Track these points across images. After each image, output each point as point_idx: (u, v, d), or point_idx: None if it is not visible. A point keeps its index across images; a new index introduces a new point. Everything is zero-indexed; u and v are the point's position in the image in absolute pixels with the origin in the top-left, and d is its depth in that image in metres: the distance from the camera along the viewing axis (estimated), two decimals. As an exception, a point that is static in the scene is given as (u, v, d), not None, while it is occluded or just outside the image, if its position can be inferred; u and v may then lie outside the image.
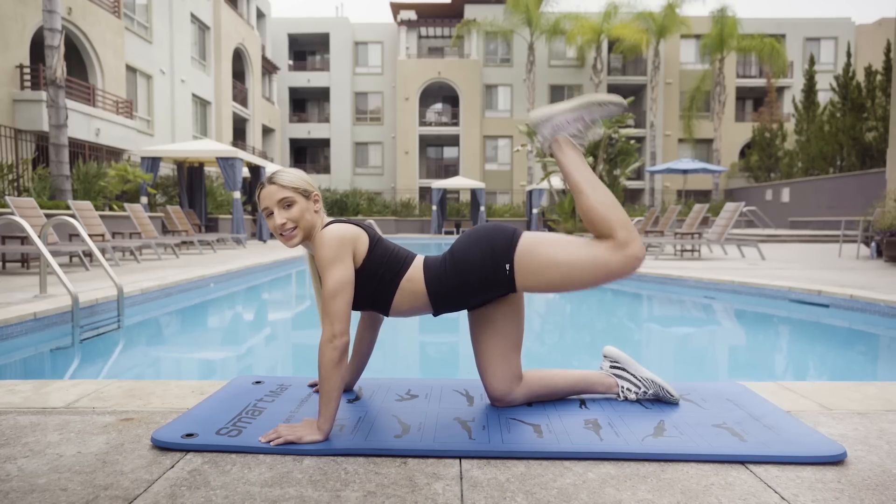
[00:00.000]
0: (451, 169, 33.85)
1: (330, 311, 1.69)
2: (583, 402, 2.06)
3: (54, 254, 6.59)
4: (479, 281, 1.82)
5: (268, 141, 32.11)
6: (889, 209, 9.00)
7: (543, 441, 1.69)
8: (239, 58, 27.44)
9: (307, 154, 36.49)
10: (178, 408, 2.03)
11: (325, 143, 35.26)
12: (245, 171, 15.97)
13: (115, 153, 16.49)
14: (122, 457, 1.61)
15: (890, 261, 8.22)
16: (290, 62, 35.40)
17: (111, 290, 4.84)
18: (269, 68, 31.65)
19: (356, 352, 2.13)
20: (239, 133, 28.51)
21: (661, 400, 2.05)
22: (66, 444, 1.71)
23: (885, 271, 7.08)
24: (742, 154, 31.99)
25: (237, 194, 14.01)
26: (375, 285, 1.84)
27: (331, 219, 1.89)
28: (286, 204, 1.79)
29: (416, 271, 1.86)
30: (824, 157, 22.02)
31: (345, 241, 1.76)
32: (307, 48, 36.23)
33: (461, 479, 1.49)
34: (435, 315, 1.93)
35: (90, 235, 7.68)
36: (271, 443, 1.65)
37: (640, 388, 2.06)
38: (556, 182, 17.65)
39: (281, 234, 1.81)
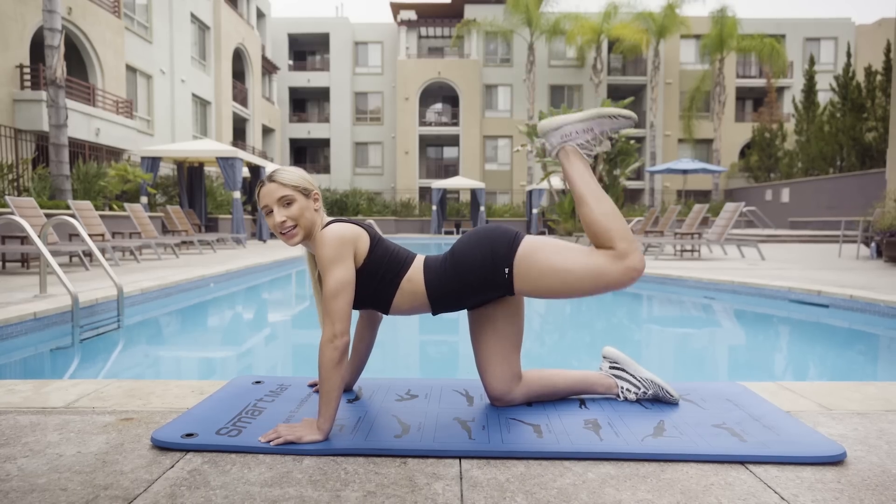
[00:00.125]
0: (451, 169, 33.86)
1: (330, 310, 1.69)
2: (582, 402, 2.06)
3: (54, 254, 6.59)
4: (478, 282, 1.82)
5: (268, 141, 32.12)
6: (889, 209, 9.00)
7: (543, 441, 1.69)
8: (239, 58, 27.44)
9: (307, 154, 36.49)
10: (178, 408, 2.03)
11: (325, 143, 35.27)
12: (245, 171, 15.98)
13: (115, 153, 16.49)
14: (122, 457, 1.61)
15: (890, 261, 8.22)
16: (290, 62, 35.41)
17: (111, 290, 4.84)
18: (269, 68, 31.65)
19: (355, 351, 2.13)
20: (239, 133, 28.51)
21: (660, 400, 2.05)
22: (65, 443, 1.71)
23: (885, 271, 7.08)
24: (742, 154, 31.99)
25: (237, 194, 14.01)
26: (376, 285, 1.84)
27: (331, 218, 1.89)
28: (286, 202, 1.79)
29: (416, 271, 1.86)
30: (824, 157, 22.03)
31: (346, 240, 1.76)
32: (307, 48, 36.24)
33: (461, 479, 1.49)
34: (434, 314, 1.93)
35: (90, 235, 7.68)
36: (271, 443, 1.65)
37: (639, 389, 2.06)
38: (556, 182, 17.66)
39: (281, 233, 1.81)
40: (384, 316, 2.06)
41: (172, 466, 1.55)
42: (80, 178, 10.96)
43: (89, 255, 7.96)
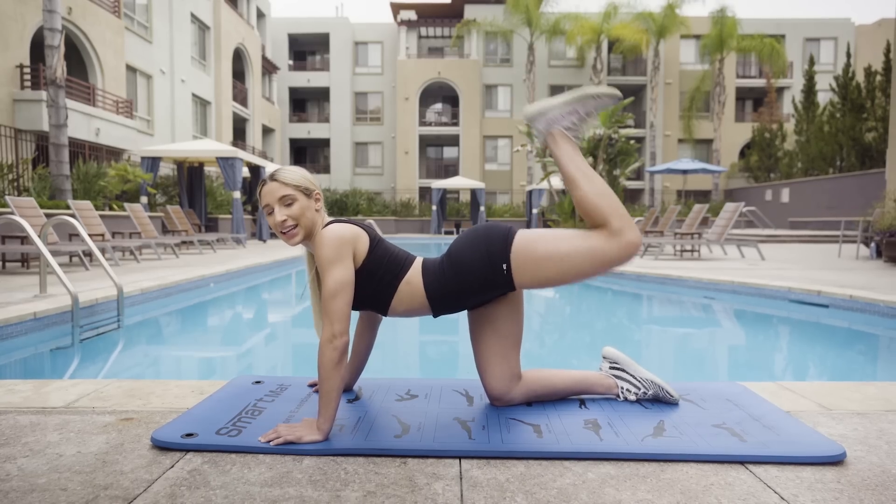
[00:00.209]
0: (450, 169, 33.86)
1: (330, 311, 1.69)
2: (582, 403, 2.06)
3: (54, 254, 6.59)
4: (477, 283, 1.82)
5: (268, 141, 32.12)
6: (888, 209, 9.00)
7: (543, 441, 1.69)
8: (239, 58, 27.44)
9: (307, 154, 36.49)
10: (178, 408, 2.03)
11: (324, 143, 35.27)
12: (245, 171, 15.98)
13: (115, 153, 16.49)
14: (122, 456, 1.61)
15: (889, 261, 8.22)
16: (290, 62, 35.41)
17: (111, 290, 4.84)
18: (269, 68, 31.65)
19: (355, 352, 2.13)
20: (239, 133, 28.51)
21: (660, 400, 2.05)
22: (65, 443, 1.71)
23: (885, 272, 7.08)
24: (742, 154, 32.00)
25: (237, 194, 14.01)
26: (374, 286, 1.84)
27: (331, 218, 1.89)
28: (287, 202, 1.79)
29: (414, 274, 1.86)
30: (824, 157, 22.03)
31: (345, 240, 1.75)
32: (307, 48, 36.23)
33: (461, 479, 1.49)
34: (435, 317, 1.93)
35: (90, 235, 7.68)
36: (271, 443, 1.65)
37: (639, 389, 2.06)
38: (556, 182, 17.66)
39: (282, 232, 1.80)
40: (384, 317, 2.06)
41: (172, 466, 1.55)
42: (80, 178, 10.96)
43: (89, 255, 7.96)
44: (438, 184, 24.15)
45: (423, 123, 33.38)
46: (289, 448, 1.64)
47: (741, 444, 1.66)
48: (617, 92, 1.89)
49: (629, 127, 26.50)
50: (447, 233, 24.85)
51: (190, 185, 15.09)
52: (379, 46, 34.22)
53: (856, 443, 1.72)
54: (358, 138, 34.24)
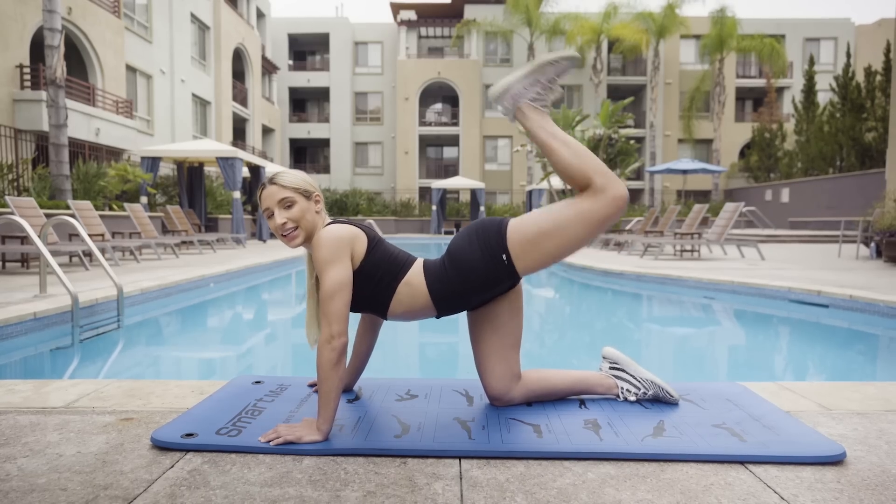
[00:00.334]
0: (450, 169, 33.85)
1: (328, 311, 1.69)
2: (582, 403, 2.06)
3: (54, 254, 6.59)
4: (480, 279, 1.82)
5: (268, 141, 32.11)
6: (888, 209, 9.00)
7: (543, 441, 1.69)
8: (239, 58, 27.44)
9: (307, 154, 36.49)
10: (178, 408, 2.03)
11: (324, 143, 35.26)
12: (245, 171, 15.98)
13: (115, 153, 16.49)
14: (122, 456, 1.61)
15: (889, 261, 8.22)
16: (290, 62, 35.40)
17: (111, 290, 4.84)
18: (269, 68, 31.65)
19: (356, 353, 2.13)
20: (239, 133, 28.51)
21: (660, 400, 2.05)
22: (65, 443, 1.71)
23: (885, 271, 7.08)
24: (742, 154, 32.00)
25: (237, 194, 14.01)
26: (373, 287, 1.83)
27: (332, 219, 1.89)
28: (287, 204, 1.79)
29: (415, 275, 1.86)
30: (824, 157, 22.03)
31: (342, 241, 1.75)
32: (307, 48, 36.23)
33: (461, 479, 1.49)
34: (438, 317, 1.93)
35: (90, 235, 7.68)
36: (271, 443, 1.65)
37: (639, 389, 2.06)
38: (556, 182, 17.66)
39: (282, 235, 1.80)
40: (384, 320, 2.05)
41: (172, 466, 1.55)
42: (80, 178, 10.96)
43: (89, 255, 7.96)
44: (438, 184, 24.15)
45: (423, 123, 33.38)
46: (289, 448, 1.64)
47: (741, 444, 1.66)
48: (574, 53, 1.88)
49: (629, 127, 26.55)
50: (447, 233, 24.85)
51: (190, 185, 15.09)
52: (379, 46, 34.22)
53: (856, 443, 1.72)
54: (358, 138, 34.24)
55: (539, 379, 2.02)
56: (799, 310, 5.32)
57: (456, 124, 33.19)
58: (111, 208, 11.20)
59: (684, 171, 19.05)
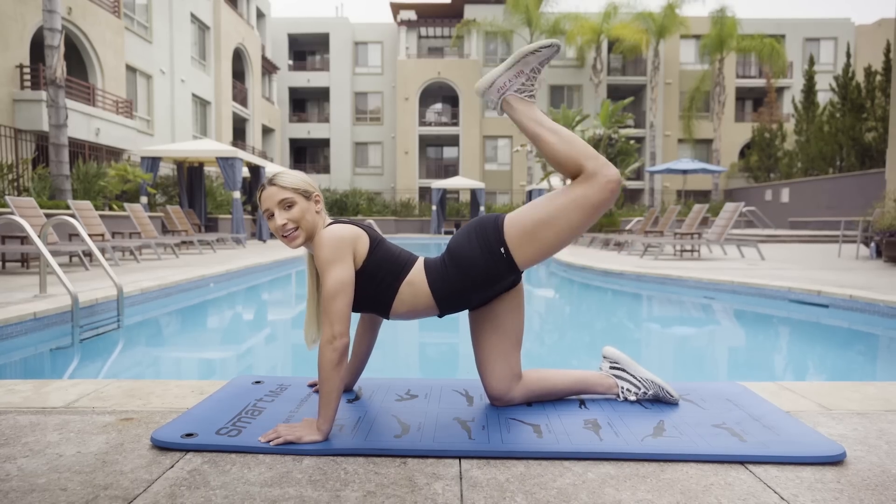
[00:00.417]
0: (450, 169, 33.85)
1: (330, 311, 1.68)
2: (582, 403, 2.06)
3: (54, 254, 6.59)
4: (481, 276, 1.82)
5: (268, 141, 32.11)
6: (888, 209, 9.00)
7: (543, 441, 1.69)
8: (239, 58, 27.44)
9: (307, 154, 36.49)
10: (178, 408, 2.03)
11: (324, 143, 35.26)
12: (245, 171, 15.98)
13: (115, 153, 16.49)
14: (122, 456, 1.61)
15: (889, 261, 8.22)
16: (290, 62, 35.40)
17: (111, 290, 4.84)
18: (268, 68, 31.65)
19: (355, 353, 2.13)
20: (239, 133, 28.51)
21: (660, 400, 2.05)
22: (65, 443, 1.71)
23: (885, 271, 7.08)
24: (742, 154, 32.00)
25: (237, 194, 14.01)
26: (375, 287, 1.83)
27: (332, 219, 1.89)
28: (287, 205, 1.79)
29: (417, 274, 1.85)
30: (824, 157, 22.03)
31: (344, 241, 1.75)
32: (307, 48, 36.23)
33: (461, 479, 1.49)
34: (440, 316, 1.93)
35: (90, 235, 7.68)
36: (271, 443, 1.65)
37: (639, 389, 2.06)
38: (556, 182, 17.66)
39: (283, 235, 1.80)
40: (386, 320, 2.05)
41: (172, 466, 1.55)
42: (80, 178, 10.96)
43: (89, 255, 7.96)
44: (438, 184, 24.15)
45: (422, 123, 33.38)
46: (289, 448, 1.64)
47: (741, 444, 1.66)
48: (554, 40, 1.89)
49: (629, 127, 26.54)
50: (447, 233, 24.86)
51: (190, 185, 15.09)
52: (379, 46, 34.22)
53: (856, 443, 1.72)
54: (358, 138, 34.24)
55: (539, 379, 2.02)
56: (799, 310, 5.32)
57: (456, 124, 33.20)
58: (111, 208, 11.20)
59: (684, 171, 19.05)
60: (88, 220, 8.37)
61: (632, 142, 15.53)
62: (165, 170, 17.29)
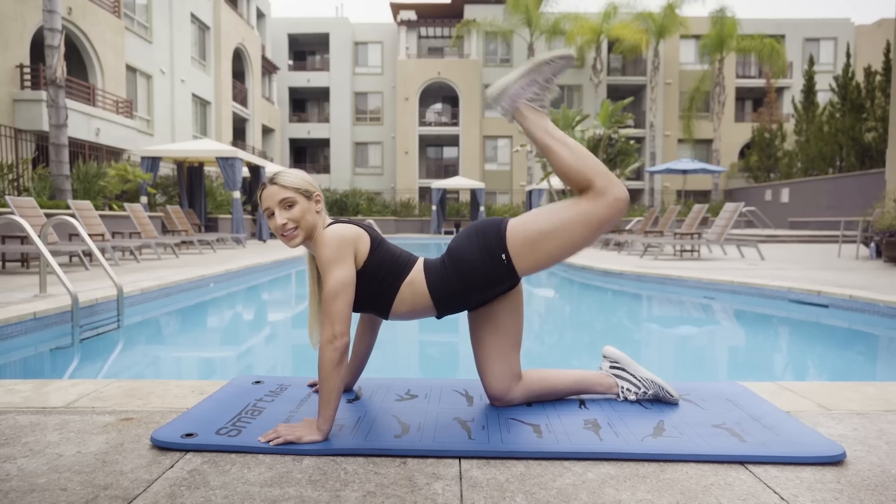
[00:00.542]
0: (450, 169, 33.85)
1: (330, 311, 1.69)
2: (582, 403, 2.06)
3: (54, 253, 6.59)
4: (480, 279, 1.82)
5: (268, 141, 32.11)
6: (888, 209, 9.00)
7: (543, 441, 1.69)
8: (239, 58, 27.44)
9: (307, 154, 36.49)
10: (178, 408, 2.03)
11: (324, 143, 35.26)
12: (245, 171, 15.98)
13: (115, 153, 16.49)
14: (122, 456, 1.61)
15: (889, 261, 8.22)
16: (290, 62, 35.40)
17: (111, 290, 4.84)
18: (268, 68, 31.64)
19: (355, 353, 2.13)
20: (239, 133, 28.51)
21: (660, 400, 2.05)
22: (65, 443, 1.71)
23: (885, 272, 7.08)
24: (741, 154, 31.99)
25: (237, 194, 14.01)
26: (376, 287, 1.83)
27: (332, 219, 1.89)
28: (287, 204, 1.79)
29: (417, 275, 1.86)
30: (824, 157, 22.03)
31: (346, 241, 1.75)
32: (307, 48, 36.23)
33: (461, 479, 1.49)
34: (439, 317, 1.93)
35: (90, 235, 7.68)
36: (271, 443, 1.65)
37: (639, 389, 2.06)
38: (556, 182, 17.66)
39: (282, 235, 1.80)
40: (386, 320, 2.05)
41: (172, 466, 1.55)
42: (80, 178, 10.96)
43: (89, 254, 7.95)
44: (438, 184, 24.15)
45: (422, 123, 33.38)
46: (288, 448, 1.64)
47: (741, 444, 1.66)
48: (569, 52, 1.89)
49: (629, 127, 26.54)
50: (447, 233, 24.85)
51: (190, 185, 15.09)
52: (379, 46, 34.22)
53: (855, 443, 1.72)
54: (358, 138, 34.24)
55: (539, 379, 2.02)
56: (799, 310, 5.32)
57: (456, 124, 33.19)
58: (111, 208, 11.20)
59: (684, 171, 19.05)
60: (88, 220, 8.37)
61: (632, 142, 15.54)
62: (165, 170, 17.29)
